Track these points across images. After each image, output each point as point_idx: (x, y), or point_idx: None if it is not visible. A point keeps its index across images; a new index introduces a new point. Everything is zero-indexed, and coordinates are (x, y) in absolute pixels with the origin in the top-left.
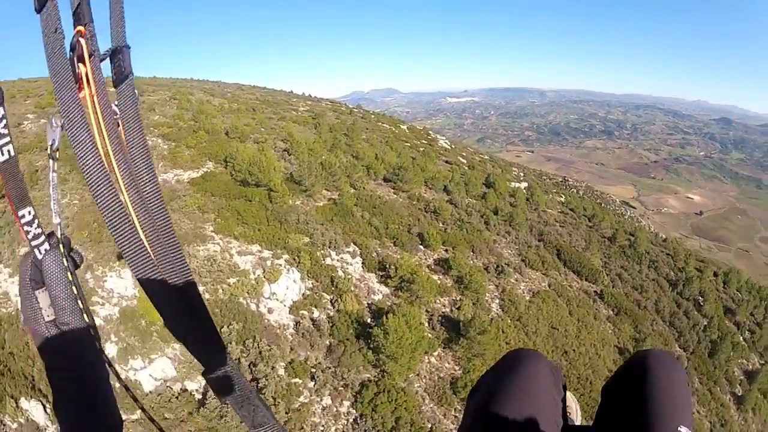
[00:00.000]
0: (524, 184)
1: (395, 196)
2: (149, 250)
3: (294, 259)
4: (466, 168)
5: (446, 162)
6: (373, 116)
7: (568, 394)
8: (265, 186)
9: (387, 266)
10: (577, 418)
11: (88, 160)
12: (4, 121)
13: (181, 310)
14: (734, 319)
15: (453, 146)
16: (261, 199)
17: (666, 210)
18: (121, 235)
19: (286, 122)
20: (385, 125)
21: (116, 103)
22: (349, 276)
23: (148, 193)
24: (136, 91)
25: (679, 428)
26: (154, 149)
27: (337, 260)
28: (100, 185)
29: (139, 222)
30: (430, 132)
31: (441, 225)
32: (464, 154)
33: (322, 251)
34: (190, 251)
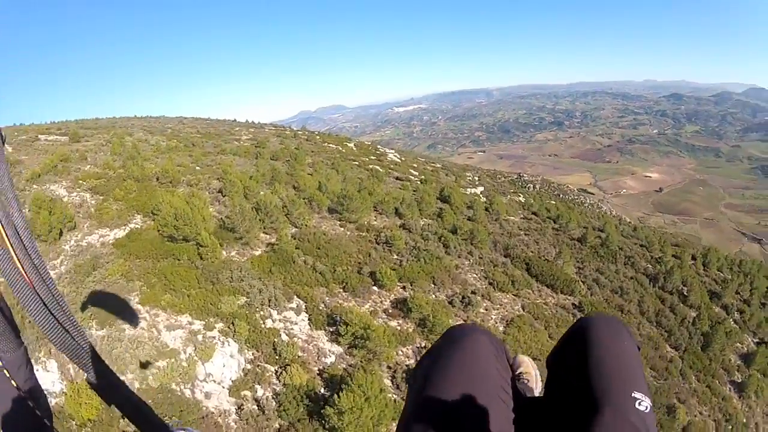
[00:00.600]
0: (480, 189)
1: (342, 229)
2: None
3: (229, 328)
4: (419, 183)
5: (397, 179)
6: (318, 137)
7: (528, 360)
8: (193, 240)
9: (337, 320)
10: (537, 387)
11: None
12: None
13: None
14: (721, 302)
15: (403, 159)
16: (190, 256)
17: (625, 191)
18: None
19: (226, 155)
20: (331, 145)
21: None
22: (295, 340)
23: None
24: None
25: (633, 394)
26: (81, 206)
27: (280, 320)
28: None
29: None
30: (379, 147)
31: (395, 257)
32: (415, 165)
33: (261, 312)
34: (113, 334)
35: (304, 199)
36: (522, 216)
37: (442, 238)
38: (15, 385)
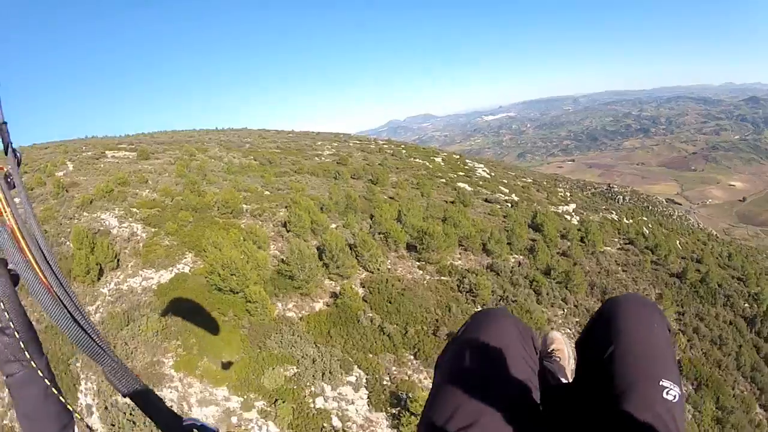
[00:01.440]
0: (572, 206)
1: (420, 272)
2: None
3: (270, 408)
4: (509, 206)
5: (486, 201)
6: (404, 151)
7: (560, 337)
8: (241, 293)
9: (402, 398)
10: (569, 364)
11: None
12: None
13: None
14: None
15: (492, 174)
16: (237, 311)
17: (710, 201)
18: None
19: (302, 175)
20: (417, 160)
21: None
22: (349, 425)
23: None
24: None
25: (661, 382)
26: (130, 240)
27: (333, 398)
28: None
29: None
30: (468, 161)
31: (479, 308)
32: (505, 180)
33: (312, 388)
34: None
35: (380, 234)
36: (618, 246)
37: (534, 283)
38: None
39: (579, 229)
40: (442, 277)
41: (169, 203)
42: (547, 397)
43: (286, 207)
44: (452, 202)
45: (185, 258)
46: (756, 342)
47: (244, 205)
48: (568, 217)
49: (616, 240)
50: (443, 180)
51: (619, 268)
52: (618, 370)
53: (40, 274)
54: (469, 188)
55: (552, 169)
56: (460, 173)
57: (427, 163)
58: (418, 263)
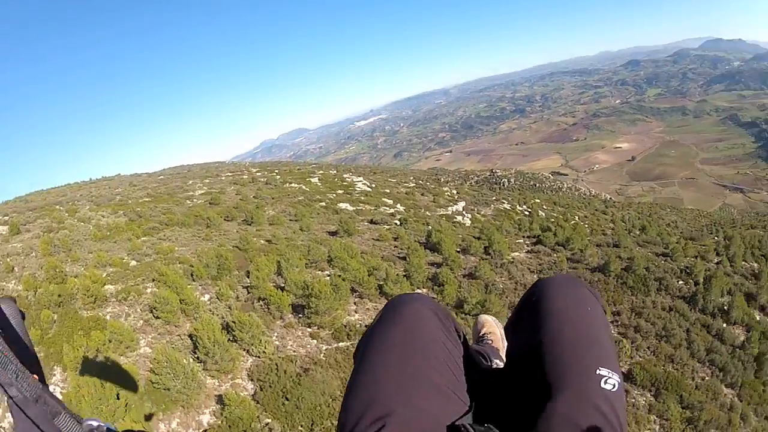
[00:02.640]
0: (462, 204)
1: (314, 341)
2: None
3: None
4: (397, 224)
5: (371, 223)
6: (278, 177)
7: (491, 319)
8: None
9: None
10: (503, 346)
11: None
12: None
13: None
14: (758, 304)
15: (373, 185)
16: None
17: (598, 167)
18: None
19: (172, 229)
20: (293, 185)
21: None
22: None
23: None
24: None
25: (598, 371)
26: None
27: None
28: None
29: None
30: (345, 175)
31: None
32: (387, 190)
33: None
34: None
35: (259, 301)
36: (527, 250)
37: None
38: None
39: (479, 238)
40: (340, 343)
41: (33, 299)
42: (477, 382)
43: (153, 280)
44: (335, 233)
45: (54, 375)
46: (704, 321)
47: (109, 287)
48: (460, 218)
49: (521, 241)
50: (323, 203)
51: (535, 277)
52: (550, 358)
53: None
54: (351, 207)
55: (430, 163)
56: (340, 191)
57: (304, 186)
58: (309, 329)
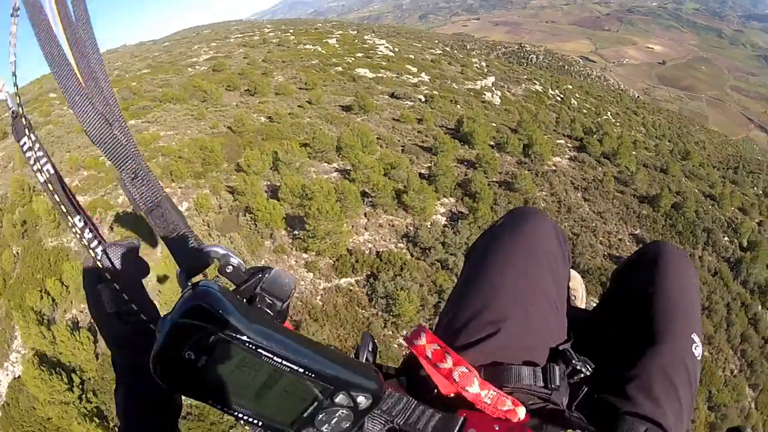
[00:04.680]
0: (491, 79)
1: (310, 275)
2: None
3: None
4: (422, 101)
5: (392, 97)
6: (292, 37)
7: (577, 276)
8: None
9: None
10: (582, 303)
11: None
12: (38, 144)
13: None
14: None
15: (396, 50)
16: None
17: (627, 61)
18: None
19: (164, 107)
20: (308, 46)
21: None
22: None
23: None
24: None
25: (692, 335)
26: None
27: None
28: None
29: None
30: (367, 37)
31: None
32: (411, 56)
33: None
34: None
35: (246, 213)
36: (569, 156)
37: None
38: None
39: (516, 131)
40: (342, 281)
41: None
42: (572, 318)
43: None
44: (348, 109)
45: (15, 339)
46: (743, 297)
47: (80, 197)
48: (489, 95)
49: (562, 142)
50: (339, 68)
51: (580, 197)
52: (655, 313)
53: (70, 53)
54: (371, 74)
55: (456, 28)
56: (359, 54)
57: (320, 48)
58: (305, 256)
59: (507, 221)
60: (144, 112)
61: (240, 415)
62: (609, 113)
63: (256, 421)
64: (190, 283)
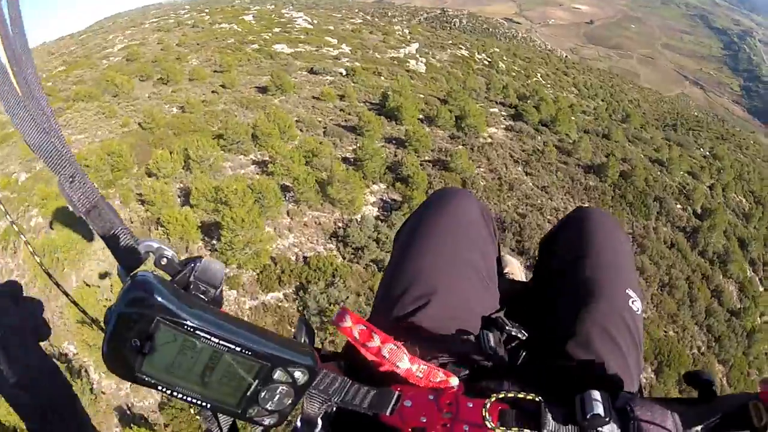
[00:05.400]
0: (415, 46)
1: (232, 291)
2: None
3: None
4: (343, 74)
5: (311, 73)
6: (207, 17)
7: (515, 262)
8: None
9: None
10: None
11: None
12: None
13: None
14: (749, 255)
15: (315, 22)
16: None
17: (554, 22)
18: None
19: (73, 107)
20: (224, 25)
21: None
22: None
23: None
24: None
25: (627, 291)
26: None
27: None
28: None
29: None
30: (285, 11)
31: None
32: (331, 27)
33: None
34: None
35: (158, 226)
36: (505, 126)
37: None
38: None
39: (446, 101)
40: (270, 296)
41: None
42: (506, 291)
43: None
44: (265, 91)
45: None
46: (704, 269)
47: None
48: (413, 63)
49: (496, 111)
50: (255, 45)
51: (521, 171)
52: (588, 273)
53: (9, 67)
54: (289, 50)
55: None
56: (277, 30)
57: (236, 26)
58: (226, 270)
59: (432, 201)
60: (57, 115)
61: (189, 399)
62: (539, 75)
63: (204, 404)
64: (128, 277)
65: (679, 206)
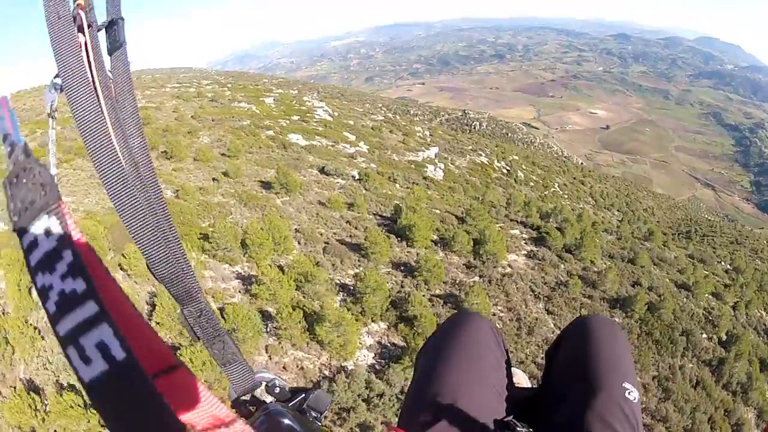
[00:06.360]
0: (434, 150)
1: None
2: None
3: None
4: (355, 179)
5: (322, 173)
6: (228, 93)
7: (521, 374)
8: None
9: None
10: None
11: (87, 115)
12: None
13: (159, 243)
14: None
15: (336, 114)
16: None
17: (570, 127)
18: (110, 175)
19: (74, 160)
20: (243, 104)
21: (110, 69)
22: None
23: (136, 148)
24: (128, 58)
25: (623, 384)
26: None
27: None
28: (97, 136)
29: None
30: (306, 98)
31: None
32: (351, 122)
33: None
34: None
35: None
36: (525, 253)
37: None
38: None
39: (463, 220)
40: None
41: None
42: (516, 399)
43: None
44: (268, 187)
45: None
46: (727, 404)
47: None
48: (431, 169)
49: (516, 233)
50: (271, 132)
51: (542, 308)
52: (588, 370)
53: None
54: (304, 141)
55: (401, 92)
56: (295, 118)
57: (255, 108)
58: None
59: (451, 326)
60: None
61: None
62: (556, 185)
63: None
64: (241, 399)
65: (704, 336)
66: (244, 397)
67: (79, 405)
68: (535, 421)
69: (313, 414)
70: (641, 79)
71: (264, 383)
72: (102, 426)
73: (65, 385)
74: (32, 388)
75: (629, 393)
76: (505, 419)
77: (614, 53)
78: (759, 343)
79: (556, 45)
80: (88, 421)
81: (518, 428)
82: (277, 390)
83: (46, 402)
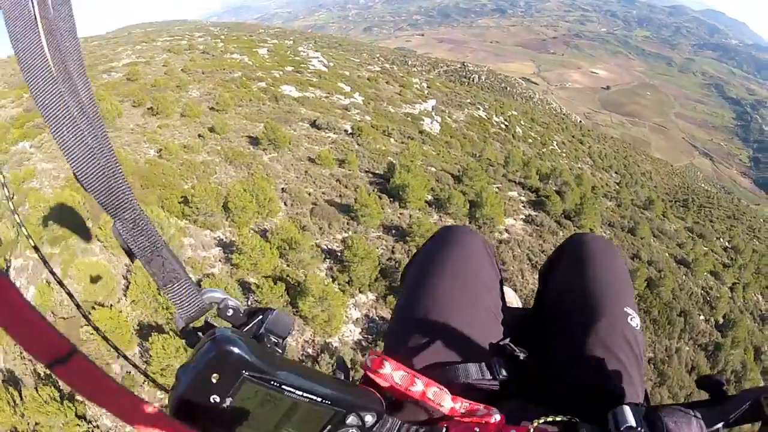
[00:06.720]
0: (432, 102)
1: None
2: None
3: None
4: (347, 134)
5: (313, 127)
6: (221, 45)
7: (512, 292)
8: None
9: None
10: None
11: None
12: None
13: (85, 141)
14: (762, 365)
15: (331, 64)
16: None
17: (570, 85)
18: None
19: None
20: (235, 56)
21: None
22: None
23: (67, 51)
24: None
25: (625, 309)
26: None
27: None
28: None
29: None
30: (301, 49)
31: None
32: (347, 72)
33: None
34: None
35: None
36: (524, 217)
37: None
38: None
39: (460, 179)
40: None
41: None
42: (509, 319)
43: None
44: (256, 143)
45: None
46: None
47: None
48: (428, 122)
49: (514, 194)
50: (263, 83)
51: (536, 275)
52: (588, 294)
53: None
54: (297, 93)
55: (399, 42)
56: (288, 68)
57: (248, 59)
58: (160, 395)
59: (439, 239)
60: (36, 132)
61: None
62: (555, 142)
63: None
64: (191, 327)
65: (702, 318)
66: (194, 325)
67: (55, 399)
68: (531, 346)
69: (273, 339)
70: (644, 43)
71: (215, 305)
72: (79, 418)
73: (42, 375)
74: (12, 379)
75: (631, 318)
76: (502, 342)
77: (618, 16)
78: (754, 329)
79: (559, 3)
80: (65, 415)
81: (515, 352)
82: (230, 312)
83: (25, 396)
